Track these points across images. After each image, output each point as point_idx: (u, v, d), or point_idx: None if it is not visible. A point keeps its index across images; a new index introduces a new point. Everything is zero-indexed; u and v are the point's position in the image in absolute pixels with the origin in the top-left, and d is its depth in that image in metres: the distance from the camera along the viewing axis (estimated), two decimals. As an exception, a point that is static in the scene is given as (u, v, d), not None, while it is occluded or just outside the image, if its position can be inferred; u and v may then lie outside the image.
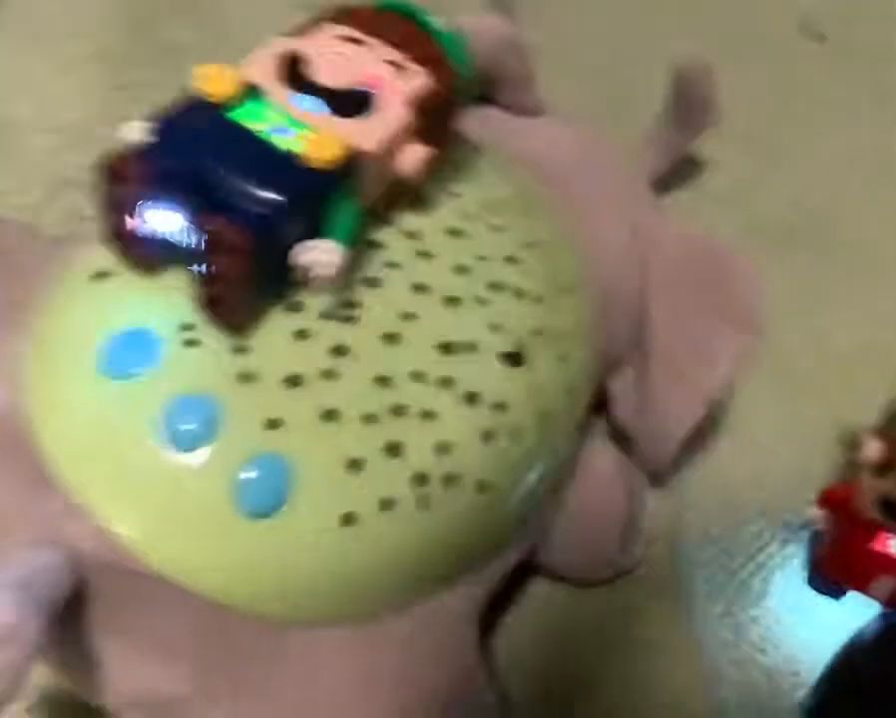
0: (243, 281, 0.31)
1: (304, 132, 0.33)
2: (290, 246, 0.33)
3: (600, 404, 0.58)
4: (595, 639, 0.54)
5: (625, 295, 0.53)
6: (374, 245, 0.38)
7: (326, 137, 0.33)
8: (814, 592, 0.56)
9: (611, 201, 0.53)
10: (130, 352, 0.34)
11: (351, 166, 0.34)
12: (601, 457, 0.53)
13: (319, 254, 0.33)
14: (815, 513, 0.54)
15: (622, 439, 0.57)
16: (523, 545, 0.48)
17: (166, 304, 0.35)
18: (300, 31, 0.37)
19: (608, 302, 0.52)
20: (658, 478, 0.58)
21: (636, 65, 0.81)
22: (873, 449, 0.49)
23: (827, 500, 0.54)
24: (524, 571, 0.54)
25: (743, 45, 0.87)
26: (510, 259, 0.41)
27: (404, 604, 0.39)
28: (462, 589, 0.42)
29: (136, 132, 0.32)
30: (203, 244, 0.31)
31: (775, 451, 0.63)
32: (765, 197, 0.76)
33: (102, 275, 0.36)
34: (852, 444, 0.54)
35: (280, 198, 0.31)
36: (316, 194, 0.33)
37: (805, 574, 0.56)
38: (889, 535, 0.49)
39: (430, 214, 0.40)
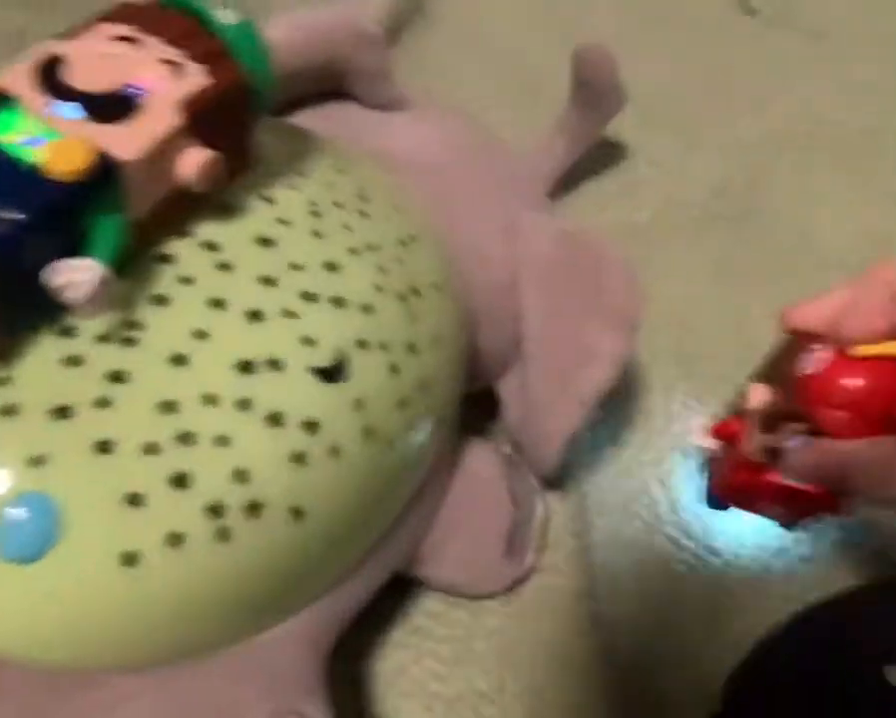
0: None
1: (55, 141, 0.30)
2: (41, 266, 0.30)
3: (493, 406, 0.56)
4: (489, 653, 0.51)
5: (499, 296, 0.50)
6: (165, 259, 0.35)
7: (69, 145, 0.30)
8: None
9: (481, 199, 0.50)
10: None
11: (109, 175, 0.31)
12: (479, 461, 0.50)
13: (73, 274, 0.30)
14: (707, 442, 0.52)
15: (516, 442, 0.54)
16: (389, 561, 0.45)
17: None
18: (73, 33, 0.34)
19: (481, 304, 0.49)
20: (554, 481, 0.56)
21: (551, 48, 0.78)
22: (758, 396, 0.46)
23: (718, 433, 0.51)
24: (405, 586, 0.52)
25: (669, 21, 0.84)
26: (331, 266, 0.38)
27: (217, 642, 0.36)
28: (299, 620, 0.39)
29: None
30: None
31: (689, 447, 0.60)
32: (686, 182, 0.73)
33: None
34: (741, 393, 0.52)
35: (12, 215, 0.29)
36: (64, 209, 0.30)
37: (702, 494, 0.53)
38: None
39: (235, 223, 0.37)
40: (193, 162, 0.33)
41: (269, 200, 0.38)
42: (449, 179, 0.49)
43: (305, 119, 0.50)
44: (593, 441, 0.60)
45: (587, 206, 0.72)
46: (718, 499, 0.53)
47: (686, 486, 0.58)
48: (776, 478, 0.48)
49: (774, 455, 0.46)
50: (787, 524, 0.52)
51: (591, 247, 0.49)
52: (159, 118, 0.32)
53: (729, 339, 0.65)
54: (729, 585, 0.54)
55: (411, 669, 0.51)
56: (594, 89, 0.62)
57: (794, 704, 0.44)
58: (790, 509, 0.50)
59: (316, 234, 0.38)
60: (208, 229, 0.36)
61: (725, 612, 0.53)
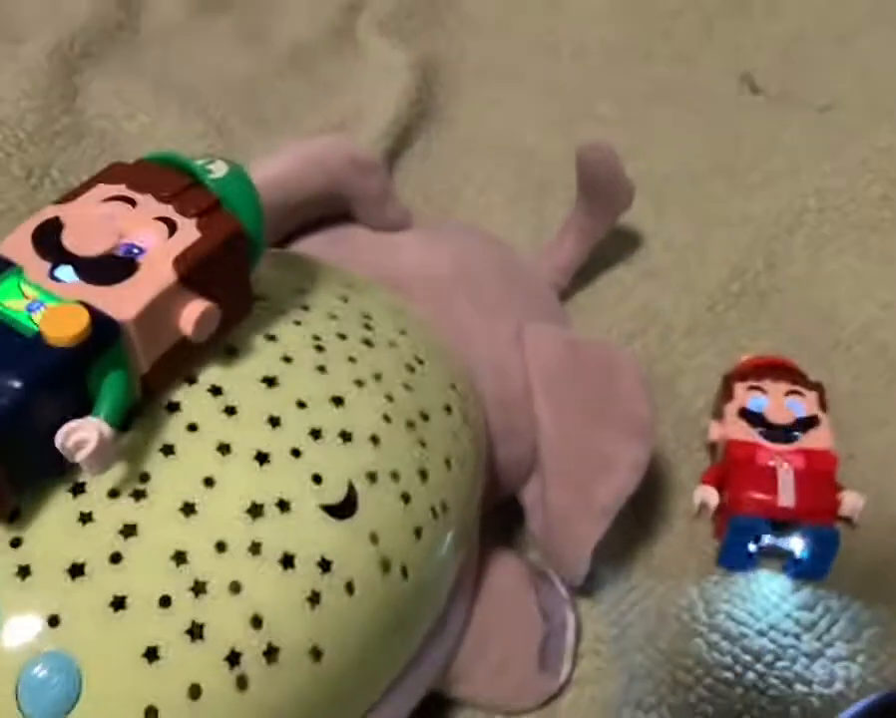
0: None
1: (52, 306, 0.31)
2: (52, 428, 0.31)
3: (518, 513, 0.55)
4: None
5: (516, 407, 0.50)
6: (171, 408, 0.35)
7: (64, 311, 0.31)
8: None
9: (491, 310, 0.51)
10: None
11: (110, 336, 0.32)
12: (505, 574, 0.50)
13: (78, 434, 0.31)
14: (704, 494, 0.56)
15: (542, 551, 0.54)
16: (418, 684, 0.45)
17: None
18: (70, 196, 0.35)
19: (498, 416, 0.49)
20: (584, 587, 0.54)
21: (561, 146, 0.79)
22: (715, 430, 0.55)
23: (707, 481, 0.57)
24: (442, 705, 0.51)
25: (675, 105, 0.85)
26: (337, 400, 0.38)
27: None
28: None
29: None
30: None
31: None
32: (704, 265, 0.73)
33: None
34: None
35: (13, 384, 0.29)
36: (66, 373, 0.31)
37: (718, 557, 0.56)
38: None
39: (239, 365, 0.37)
40: (191, 315, 0.34)
41: (273, 338, 0.39)
42: (457, 294, 0.50)
43: (311, 244, 0.51)
44: (623, 544, 0.58)
45: (606, 298, 0.72)
46: (727, 544, 0.55)
47: (723, 587, 0.56)
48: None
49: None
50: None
51: (599, 354, 0.49)
52: (155, 276, 0.33)
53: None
54: (770, 688, 0.52)
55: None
56: (600, 187, 0.62)
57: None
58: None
59: (321, 369, 0.39)
60: (212, 374, 0.37)
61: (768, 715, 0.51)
